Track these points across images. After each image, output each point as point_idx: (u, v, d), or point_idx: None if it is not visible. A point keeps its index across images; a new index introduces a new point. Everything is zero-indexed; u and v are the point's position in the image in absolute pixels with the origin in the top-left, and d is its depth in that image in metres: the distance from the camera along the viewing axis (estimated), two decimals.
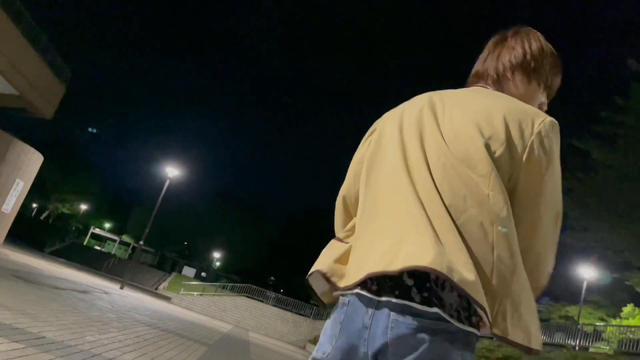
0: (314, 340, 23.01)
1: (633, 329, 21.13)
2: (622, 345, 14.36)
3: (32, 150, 15.87)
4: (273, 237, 62.78)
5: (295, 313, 27.43)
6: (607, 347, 14.89)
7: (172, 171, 21.45)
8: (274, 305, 27.58)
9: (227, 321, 24.45)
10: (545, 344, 16.20)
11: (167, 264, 59.58)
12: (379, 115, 1.13)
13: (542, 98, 1.12)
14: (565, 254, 28.94)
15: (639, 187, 14.97)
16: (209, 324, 17.33)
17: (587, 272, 24.86)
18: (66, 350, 4.34)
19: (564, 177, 0.91)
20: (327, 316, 1.02)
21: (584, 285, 24.52)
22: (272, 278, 63.92)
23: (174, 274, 51.08)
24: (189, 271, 54.63)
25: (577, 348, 14.91)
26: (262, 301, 26.84)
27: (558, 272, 31.16)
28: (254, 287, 29.93)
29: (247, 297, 27.60)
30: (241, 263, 62.08)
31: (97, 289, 14.52)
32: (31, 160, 16.06)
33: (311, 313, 28.18)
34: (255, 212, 67.03)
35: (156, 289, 43.76)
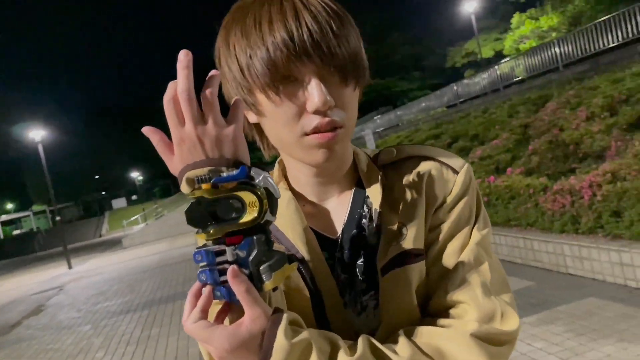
0: None
1: (526, 40, 22.37)
2: (528, 70, 14.85)
3: None
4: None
5: None
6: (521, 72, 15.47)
7: (38, 134, 18.35)
8: None
9: (188, 231, 24.14)
10: (461, 103, 16.92)
11: (94, 208, 56.83)
12: None
13: None
14: None
15: None
16: (173, 251, 16.82)
17: (470, 5, 25.29)
18: None
19: None
20: None
21: (473, 18, 25.18)
22: None
23: (106, 213, 49.11)
24: (119, 203, 52.47)
25: (500, 89, 15.53)
26: None
27: None
28: None
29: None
30: (162, 165, 59.98)
31: (49, 290, 13.43)
32: None
33: None
34: (146, 107, 62.85)
35: (100, 235, 42.24)
